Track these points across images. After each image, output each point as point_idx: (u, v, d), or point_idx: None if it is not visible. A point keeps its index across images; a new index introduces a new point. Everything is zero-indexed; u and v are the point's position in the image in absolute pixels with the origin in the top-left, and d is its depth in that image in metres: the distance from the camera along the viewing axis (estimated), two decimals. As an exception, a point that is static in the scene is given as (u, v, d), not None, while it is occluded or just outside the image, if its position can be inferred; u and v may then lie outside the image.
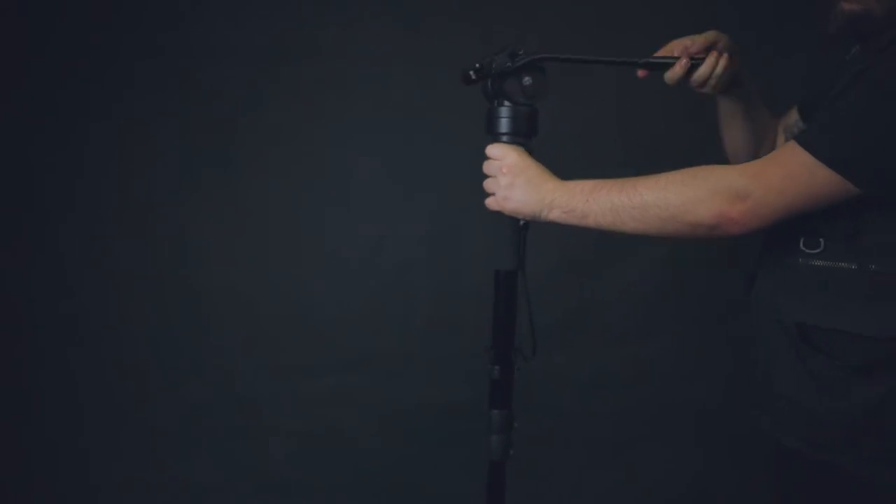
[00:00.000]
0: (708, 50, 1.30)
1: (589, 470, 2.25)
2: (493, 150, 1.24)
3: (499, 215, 1.25)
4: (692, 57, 1.29)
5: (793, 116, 1.42)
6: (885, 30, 1.18)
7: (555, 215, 1.20)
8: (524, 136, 1.24)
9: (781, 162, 1.14)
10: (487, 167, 1.24)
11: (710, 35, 1.31)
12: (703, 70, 1.29)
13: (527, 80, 1.20)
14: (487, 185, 1.25)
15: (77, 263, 2.14)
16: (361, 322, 2.17)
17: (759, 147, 1.45)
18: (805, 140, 1.12)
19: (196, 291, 2.15)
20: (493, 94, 1.23)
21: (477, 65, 1.20)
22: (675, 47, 1.31)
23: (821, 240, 1.19)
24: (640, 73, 1.31)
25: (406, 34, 2.10)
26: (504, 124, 1.23)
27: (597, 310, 2.21)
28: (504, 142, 1.24)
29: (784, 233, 1.21)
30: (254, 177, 2.12)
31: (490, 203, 1.25)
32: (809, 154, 1.11)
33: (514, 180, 1.21)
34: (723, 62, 1.29)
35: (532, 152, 1.24)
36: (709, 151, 1.41)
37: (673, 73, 1.29)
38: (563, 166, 1.23)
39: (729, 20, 2.03)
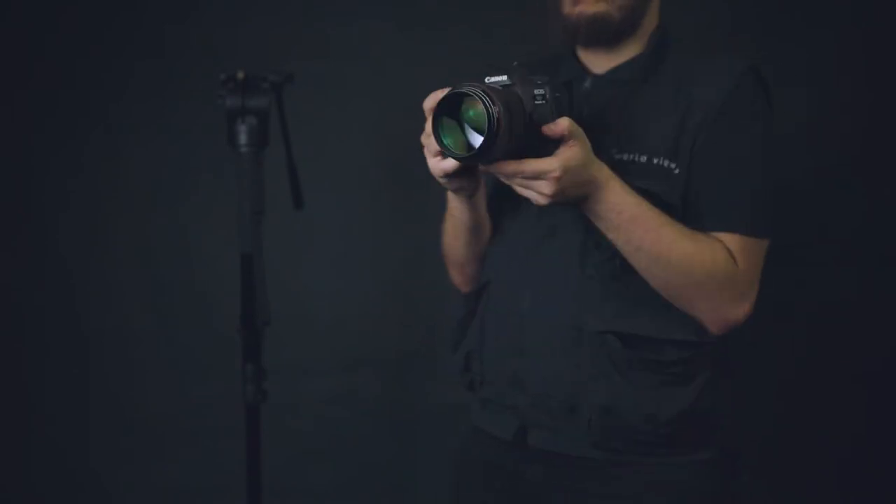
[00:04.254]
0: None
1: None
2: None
3: None
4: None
5: None
6: (624, 34, 1.21)
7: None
8: None
9: (753, 259, 1.16)
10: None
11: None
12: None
13: None
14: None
15: (78, 264, 2.14)
16: (361, 322, 2.16)
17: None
18: (751, 230, 1.16)
19: (196, 291, 2.15)
20: None
21: None
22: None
23: None
24: None
25: (405, 34, 2.10)
26: None
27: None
28: None
29: None
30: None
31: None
32: (757, 239, 1.17)
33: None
34: None
35: None
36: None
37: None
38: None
39: (727, 20, 2.04)
